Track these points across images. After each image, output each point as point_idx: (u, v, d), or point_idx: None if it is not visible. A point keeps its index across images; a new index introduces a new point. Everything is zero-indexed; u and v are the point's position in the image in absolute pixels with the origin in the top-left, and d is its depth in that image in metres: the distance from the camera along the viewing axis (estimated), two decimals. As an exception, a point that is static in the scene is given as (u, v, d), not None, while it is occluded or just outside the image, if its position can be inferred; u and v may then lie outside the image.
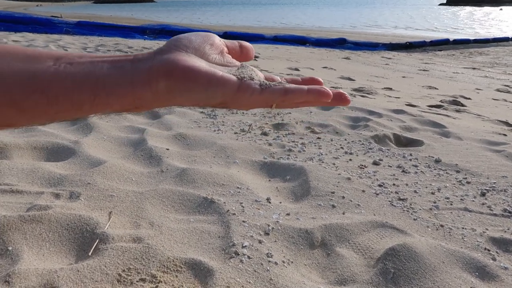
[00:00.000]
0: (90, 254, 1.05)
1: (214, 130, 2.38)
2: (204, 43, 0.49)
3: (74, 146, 1.80)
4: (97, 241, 1.09)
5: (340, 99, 0.47)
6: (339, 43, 11.53)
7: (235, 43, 0.54)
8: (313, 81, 0.56)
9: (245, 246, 1.14)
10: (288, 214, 1.39)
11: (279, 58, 8.32)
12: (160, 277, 0.98)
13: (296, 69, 6.78)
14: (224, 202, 1.41)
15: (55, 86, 0.42)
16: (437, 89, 6.24)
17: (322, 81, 0.56)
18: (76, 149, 1.77)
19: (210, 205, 1.39)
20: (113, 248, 1.06)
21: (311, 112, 3.18)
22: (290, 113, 3.08)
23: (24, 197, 1.32)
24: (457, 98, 5.32)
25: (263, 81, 0.46)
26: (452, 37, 12.88)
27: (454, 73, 7.70)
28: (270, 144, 2.20)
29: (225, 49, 0.52)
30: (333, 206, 1.49)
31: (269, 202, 1.47)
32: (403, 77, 7.50)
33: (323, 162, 1.98)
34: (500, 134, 3.21)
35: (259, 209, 1.40)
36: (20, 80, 0.42)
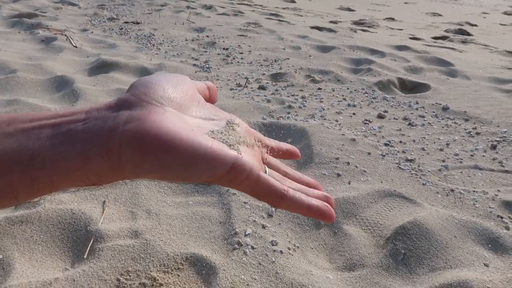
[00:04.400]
0: (85, 256, 0.99)
1: (209, 88, 2.24)
2: (181, 93, 0.37)
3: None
4: (91, 241, 1.03)
5: (323, 216, 0.36)
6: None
7: (203, 85, 0.42)
8: (289, 154, 0.47)
9: (248, 234, 1.09)
10: (291, 189, 1.32)
11: (273, -11, 7.80)
12: (161, 279, 0.93)
13: (292, 1, 6.37)
14: (224, 180, 1.33)
15: None
16: (442, 15, 5.91)
17: (298, 154, 0.48)
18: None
19: (209, 184, 1.31)
20: (109, 248, 1.00)
21: (310, 56, 3.00)
22: (288, 58, 2.91)
23: (11, 190, 1.24)
24: (462, 25, 5.05)
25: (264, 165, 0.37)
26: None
27: (459, -5, 7.26)
28: (268, 101, 2.07)
29: (201, 97, 0.40)
30: (338, 175, 1.42)
31: (271, 175, 1.39)
32: (406, 3, 7.07)
33: (325, 119, 1.88)
34: (509, 68, 3.06)
35: (260, 185, 1.33)
36: None
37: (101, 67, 2.41)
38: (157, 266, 0.97)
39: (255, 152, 0.37)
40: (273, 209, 1.21)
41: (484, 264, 1.04)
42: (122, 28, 3.62)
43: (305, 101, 2.11)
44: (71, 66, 2.47)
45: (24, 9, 4.06)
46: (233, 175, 0.32)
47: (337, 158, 1.51)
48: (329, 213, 0.36)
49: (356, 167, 1.47)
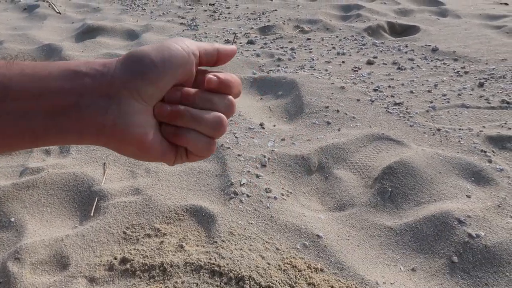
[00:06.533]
0: (92, 214, 1.06)
1: (197, 46, 2.23)
2: (167, 78, 0.38)
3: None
4: (96, 200, 1.09)
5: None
6: None
7: (209, 48, 0.41)
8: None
9: (244, 183, 1.15)
10: (283, 140, 1.37)
11: None
12: (164, 229, 1.00)
13: None
14: (217, 135, 1.38)
15: None
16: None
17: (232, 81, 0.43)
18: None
19: (203, 140, 1.36)
20: (113, 205, 1.07)
21: (298, 5, 2.95)
22: (276, 10, 2.86)
23: (14, 159, 1.29)
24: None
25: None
26: None
27: None
28: (258, 55, 2.08)
29: (195, 60, 0.40)
30: (328, 123, 1.46)
31: (263, 128, 1.43)
32: None
33: (315, 69, 1.89)
34: (501, 3, 3.02)
35: (253, 137, 1.38)
36: None
37: (87, 33, 2.38)
38: (159, 218, 1.04)
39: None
40: (266, 159, 1.26)
41: (466, 195, 1.11)
42: (104, -10, 3.52)
43: (294, 52, 2.11)
44: (57, 34, 2.44)
45: (1, -23, 3.92)
46: (171, 163, 0.41)
47: (327, 107, 1.54)
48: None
49: (346, 114, 1.51)
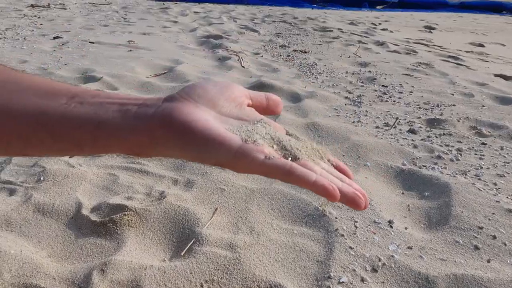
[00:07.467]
0: (182, 254, 1.05)
1: (353, 122, 2.16)
2: (220, 95, 0.46)
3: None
4: (192, 241, 1.09)
5: (352, 202, 0.39)
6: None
7: (261, 95, 0.50)
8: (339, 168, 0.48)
9: (342, 282, 0.98)
10: (410, 248, 1.14)
11: (461, 30, 7.16)
12: (239, 299, 0.91)
13: (481, 45, 5.73)
14: (336, 218, 1.25)
15: (60, 126, 0.43)
16: None
17: (345, 168, 0.49)
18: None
19: (320, 218, 1.25)
20: (204, 252, 1.04)
21: (482, 106, 2.62)
22: (454, 105, 2.60)
23: (148, 179, 1.42)
24: None
25: (269, 151, 0.39)
26: None
27: None
28: (415, 146, 1.88)
29: (247, 101, 0.48)
30: (476, 248, 1.16)
31: (391, 226, 1.24)
32: None
33: (479, 179, 1.59)
34: None
35: (375, 233, 1.20)
36: (31, 116, 0.43)
37: (257, 87, 2.59)
38: (239, 284, 0.96)
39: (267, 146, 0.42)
40: (380, 263, 1.06)
41: None
42: (289, 55, 3.84)
43: (460, 154, 1.83)
44: (235, 83, 2.72)
45: (214, 32, 4.71)
46: (238, 158, 0.38)
47: (481, 228, 1.25)
48: (333, 193, 0.37)
49: (505, 244, 1.19)
